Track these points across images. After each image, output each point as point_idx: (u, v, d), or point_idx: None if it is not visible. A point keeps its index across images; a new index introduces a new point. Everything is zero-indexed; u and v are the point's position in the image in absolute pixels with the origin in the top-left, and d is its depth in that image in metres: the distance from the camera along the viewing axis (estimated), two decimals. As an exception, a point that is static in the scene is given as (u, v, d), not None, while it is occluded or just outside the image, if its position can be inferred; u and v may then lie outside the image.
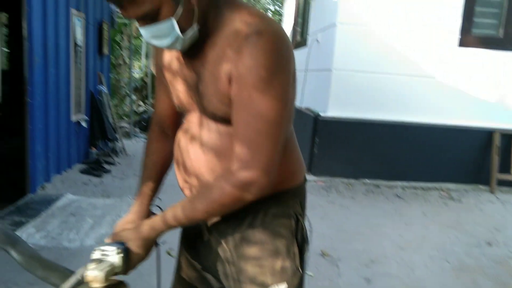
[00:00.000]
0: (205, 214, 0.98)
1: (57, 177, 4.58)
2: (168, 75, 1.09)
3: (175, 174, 1.16)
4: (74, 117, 4.97)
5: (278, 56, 0.90)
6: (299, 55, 6.72)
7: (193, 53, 0.99)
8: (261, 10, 0.96)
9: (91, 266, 0.93)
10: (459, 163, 5.16)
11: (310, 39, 6.03)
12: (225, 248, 1.09)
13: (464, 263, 3.15)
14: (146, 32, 0.94)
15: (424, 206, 4.48)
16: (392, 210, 4.30)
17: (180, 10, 0.90)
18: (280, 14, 16.48)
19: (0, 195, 3.74)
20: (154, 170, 1.20)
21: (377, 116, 5.04)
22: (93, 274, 0.90)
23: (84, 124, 5.28)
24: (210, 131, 1.02)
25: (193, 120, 1.07)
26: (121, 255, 0.96)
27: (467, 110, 5.14)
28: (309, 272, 2.67)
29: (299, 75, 6.34)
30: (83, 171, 4.94)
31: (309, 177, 4.98)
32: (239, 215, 1.03)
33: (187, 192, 1.11)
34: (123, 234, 1.03)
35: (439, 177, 5.12)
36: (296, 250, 1.07)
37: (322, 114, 5.06)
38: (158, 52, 1.13)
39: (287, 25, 8.91)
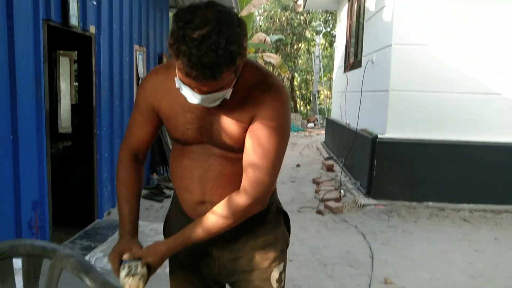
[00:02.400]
0: (218, 229, 1.18)
1: (121, 203, 4.79)
2: (171, 115, 1.23)
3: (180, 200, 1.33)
4: (137, 145, 5.22)
5: (288, 107, 1.19)
6: (353, 77, 6.66)
7: None
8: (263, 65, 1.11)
9: (131, 279, 1.13)
10: (533, 184, 4.78)
11: (364, 60, 5.96)
12: (238, 247, 1.31)
13: (545, 295, 2.90)
14: (202, 98, 1.06)
15: (496, 231, 4.18)
16: (460, 235, 4.05)
17: (235, 80, 1.09)
18: (332, 36, 16.50)
19: (71, 221, 3.99)
20: (134, 202, 1.33)
21: (439, 136, 4.83)
22: (135, 284, 1.12)
23: (146, 151, 5.52)
24: (222, 158, 1.22)
25: (198, 150, 1.24)
26: (145, 266, 1.16)
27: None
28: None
29: (354, 96, 6.26)
30: (145, 197, 5.15)
31: (369, 200, 4.83)
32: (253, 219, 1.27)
33: (199, 215, 1.24)
34: (142, 252, 1.19)
35: (510, 199, 4.76)
36: (286, 235, 1.40)
37: (380, 135, 4.93)
38: (152, 92, 1.26)
39: (339, 47, 8.87)
